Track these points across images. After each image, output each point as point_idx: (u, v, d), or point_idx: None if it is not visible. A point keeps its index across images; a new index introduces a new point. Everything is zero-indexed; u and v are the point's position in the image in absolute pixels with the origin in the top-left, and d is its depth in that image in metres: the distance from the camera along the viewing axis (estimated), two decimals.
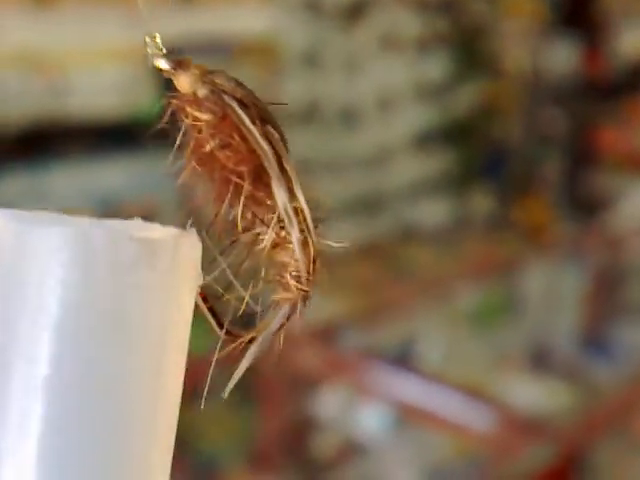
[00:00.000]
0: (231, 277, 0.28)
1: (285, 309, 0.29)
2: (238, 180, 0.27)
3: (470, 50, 2.85)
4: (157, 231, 0.27)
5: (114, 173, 2.11)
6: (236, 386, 0.29)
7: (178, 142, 0.28)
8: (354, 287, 2.04)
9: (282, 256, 0.28)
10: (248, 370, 0.29)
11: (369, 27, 2.57)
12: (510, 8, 2.94)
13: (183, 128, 0.28)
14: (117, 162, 2.11)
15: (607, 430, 1.74)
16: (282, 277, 0.28)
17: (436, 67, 2.78)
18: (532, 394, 1.83)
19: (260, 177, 0.27)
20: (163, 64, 0.27)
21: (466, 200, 2.91)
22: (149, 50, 0.27)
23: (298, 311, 0.29)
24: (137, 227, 0.27)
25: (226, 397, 0.29)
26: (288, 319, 0.29)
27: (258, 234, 0.28)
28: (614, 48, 3.16)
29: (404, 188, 2.75)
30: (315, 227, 0.28)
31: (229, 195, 0.28)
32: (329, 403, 1.77)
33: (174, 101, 0.28)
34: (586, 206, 2.92)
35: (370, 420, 1.74)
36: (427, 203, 2.81)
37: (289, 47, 2.39)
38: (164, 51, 0.27)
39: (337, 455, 1.74)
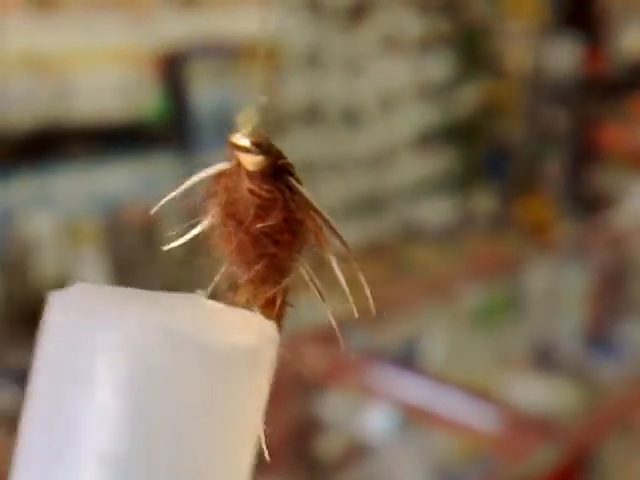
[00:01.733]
0: None
1: None
2: (287, 254, 0.29)
3: (472, 50, 2.85)
4: (257, 327, 0.27)
5: (118, 176, 2.11)
6: None
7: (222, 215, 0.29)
8: (357, 287, 2.04)
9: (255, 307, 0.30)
10: None
11: (371, 27, 2.57)
12: (512, 8, 2.94)
13: (235, 201, 0.28)
14: (121, 165, 2.11)
15: (614, 429, 1.73)
16: None
17: (438, 67, 2.78)
18: (537, 393, 1.83)
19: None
20: (244, 142, 0.27)
21: (469, 199, 2.91)
22: (239, 125, 0.27)
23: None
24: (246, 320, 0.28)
25: None
26: None
27: (259, 292, 0.30)
28: (615, 46, 3.16)
29: (407, 187, 2.75)
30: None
31: (262, 263, 0.29)
32: (334, 404, 1.77)
33: (234, 174, 0.28)
34: (589, 204, 2.92)
35: (375, 421, 1.74)
36: (430, 202, 2.81)
37: (291, 48, 2.39)
38: (252, 130, 0.27)
39: (343, 457, 1.74)
